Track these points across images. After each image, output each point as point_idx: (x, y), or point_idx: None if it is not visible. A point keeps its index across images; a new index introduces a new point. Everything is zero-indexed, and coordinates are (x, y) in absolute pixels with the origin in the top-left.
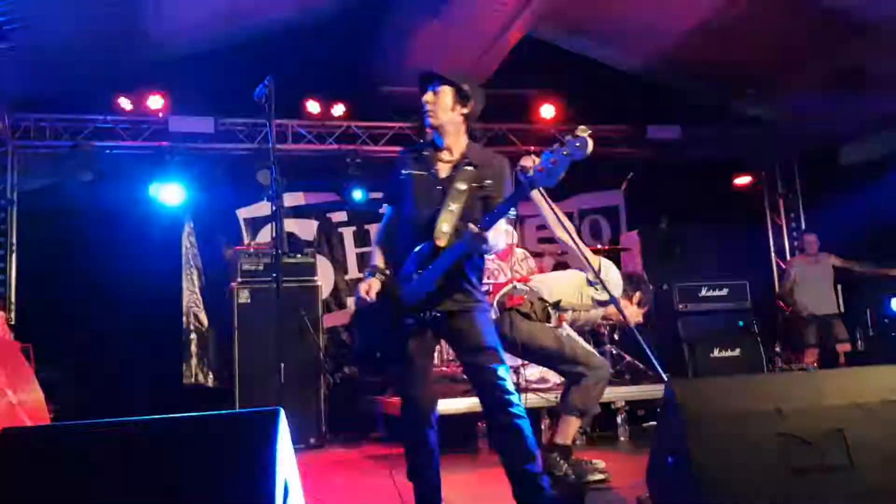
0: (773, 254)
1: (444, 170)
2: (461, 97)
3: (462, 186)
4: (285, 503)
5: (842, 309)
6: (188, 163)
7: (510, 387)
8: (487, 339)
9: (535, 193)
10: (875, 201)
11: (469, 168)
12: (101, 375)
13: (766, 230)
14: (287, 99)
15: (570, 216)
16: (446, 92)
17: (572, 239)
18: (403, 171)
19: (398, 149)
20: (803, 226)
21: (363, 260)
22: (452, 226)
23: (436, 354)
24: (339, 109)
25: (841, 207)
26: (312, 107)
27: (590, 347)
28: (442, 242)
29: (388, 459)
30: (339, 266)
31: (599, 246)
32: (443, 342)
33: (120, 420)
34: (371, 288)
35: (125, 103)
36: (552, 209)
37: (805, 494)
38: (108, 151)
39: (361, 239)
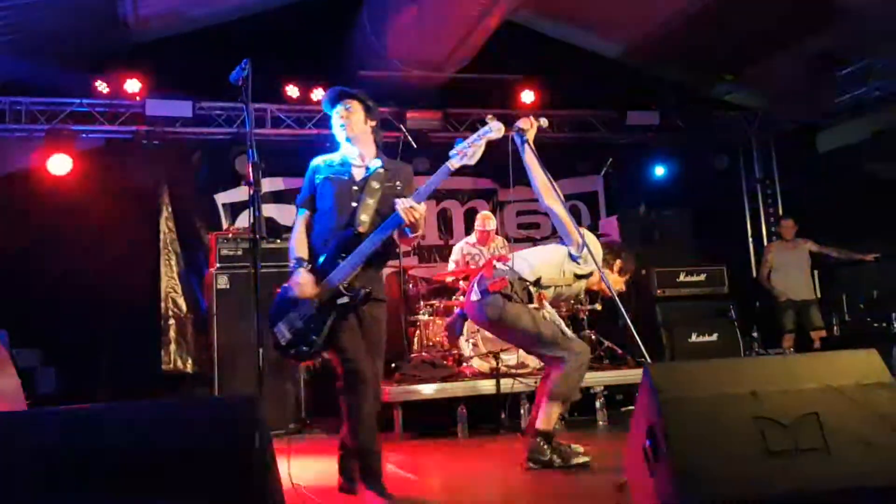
0: (750, 239)
1: (358, 174)
2: (368, 111)
3: (376, 185)
4: (266, 486)
5: (818, 294)
6: (166, 147)
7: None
8: (382, 342)
9: (528, 155)
10: (851, 187)
11: (381, 171)
12: (78, 361)
13: (743, 215)
14: (266, 83)
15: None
16: (357, 107)
17: (563, 206)
18: (320, 177)
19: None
20: (780, 211)
21: None
22: (370, 216)
23: (415, 339)
24: (318, 94)
25: (817, 193)
26: (291, 91)
27: (570, 332)
28: (363, 229)
29: None
30: None
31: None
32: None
33: (95, 406)
34: (307, 280)
35: (102, 87)
36: (545, 174)
37: (780, 477)
38: (84, 136)
39: None
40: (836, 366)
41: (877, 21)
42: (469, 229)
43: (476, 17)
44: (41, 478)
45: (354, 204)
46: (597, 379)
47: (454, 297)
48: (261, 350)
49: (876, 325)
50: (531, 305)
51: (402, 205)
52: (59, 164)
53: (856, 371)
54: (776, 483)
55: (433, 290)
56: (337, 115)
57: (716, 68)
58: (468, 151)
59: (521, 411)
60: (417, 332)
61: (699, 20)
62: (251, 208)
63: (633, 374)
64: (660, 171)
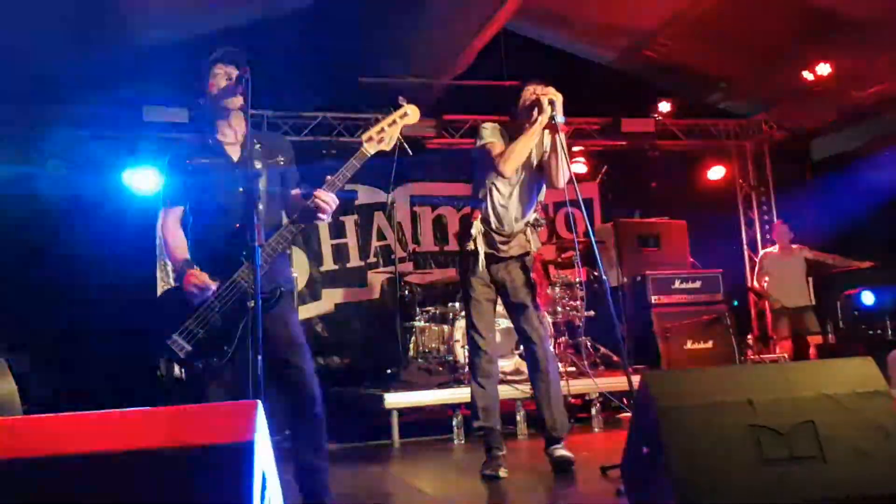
0: (745, 246)
1: (235, 153)
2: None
3: (258, 165)
4: (263, 495)
5: (813, 301)
6: (162, 150)
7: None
8: (300, 334)
9: (558, 134)
10: (845, 195)
11: (258, 147)
12: (74, 367)
13: (738, 223)
14: (262, 88)
15: (544, 208)
16: (234, 74)
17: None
18: (191, 163)
19: None
20: (775, 219)
21: (338, 251)
22: (264, 201)
23: (411, 346)
24: (315, 100)
25: (812, 201)
26: (288, 97)
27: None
28: (260, 219)
29: (364, 451)
30: (315, 257)
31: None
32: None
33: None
34: (208, 282)
35: (100, 93)
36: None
37: (776, 485)
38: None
39: (337, 230)
40: (832, 374)
41: (875, 31)
42: None
43: (475, 25)
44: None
45: (241, 189)
46: (592, 385)
47: (450, 304)
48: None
49: (871, 332)
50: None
51: (319, 202)
52: (55, 167)
53: (852, 379)
54: (772, 491)
55: (429, 297)
56: (223, 78)
57: (710, 76)
58: (384, 136)
59: (517, 417)
60: (413, 338)
61: (694, 29)
62: (248, 214)
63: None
64: (655, 178)
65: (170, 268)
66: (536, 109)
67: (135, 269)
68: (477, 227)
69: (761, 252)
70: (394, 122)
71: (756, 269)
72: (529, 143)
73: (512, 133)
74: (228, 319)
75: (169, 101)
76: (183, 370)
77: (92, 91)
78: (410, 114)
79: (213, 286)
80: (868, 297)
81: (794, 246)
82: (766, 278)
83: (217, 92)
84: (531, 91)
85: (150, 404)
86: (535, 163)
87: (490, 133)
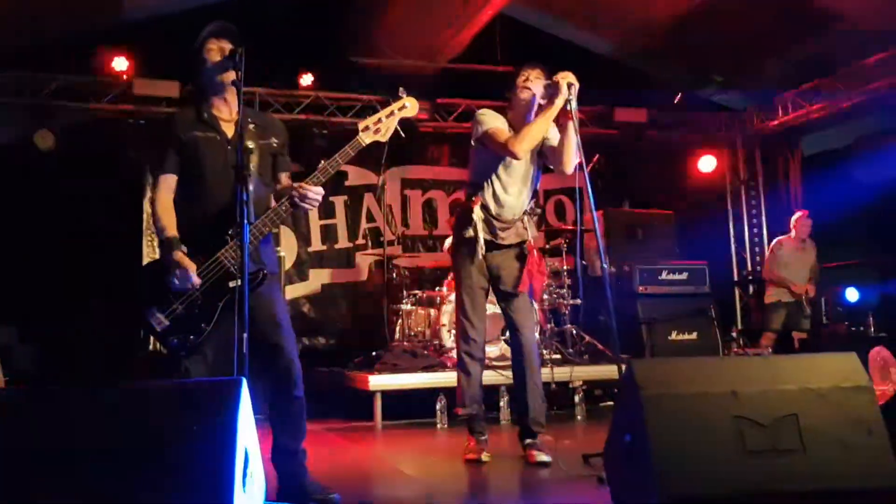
0: (732, 239)
1: (229, 130)
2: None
3: (251, 144)
4: (245, 471)
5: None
6: (153, 127)
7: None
8: (284, 316)
9: (573, 119)
10: (834, 191)
11: (252, 127)
12: (59, 342)
13: (726, 216)
14: (254, 66)
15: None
16: (225, 49)
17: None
18: (185, 135)
19: None
20: (764, 214)
21: (327, 232)
22: (253, 183)
23: (397, 329)
24: (307, 79)
25: (801, 196)
26: (280, 75)
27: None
28: (250, 198)
29: (346, 432)
30: (303, 237)
31: (563, 226)
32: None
33: (77, 387)
34: (190, 265)
35: (89, 64)
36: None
37: (758, 476)
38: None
39: (326, 211)
40: (815, 368)
41: (867, 27)
42: None
43: (469, 8)
44: (20, 457)
45: (232, 166)
46: (576, 373)
47: (437, 288)
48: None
49: (854, 328)
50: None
51: (302, 197)
52: (44, 139)
53: (835, 374)
54: (754, 482)
55: (416, 280)
56: (216, 52)
57: (705, 69)
58: (380, 127)
59: (501, 403)
60: (400, 321)
61: (691, 20)
62: (239, 191)
63: (612, 370)
64: (646, 169)
65: (155, 242)
66: (551, 93)
67: (120, 246)
68: (478, 214)
69: (775, 240)
70: (392, 113)
71: (768, 256)
72: (545, 125)
73: (510, 119)
74: (208, 297)
75: (160, 74)
76: (161, 345)
77: (85, 62)
78: (409, 107)
79: (196, 280)
80: (852, 294)
81: (809, 240)
82: (780, 269)
83: (210, 66)
84: (525, 75)
85: (134, 377)
86: (537, 149)
87: (492, 119)
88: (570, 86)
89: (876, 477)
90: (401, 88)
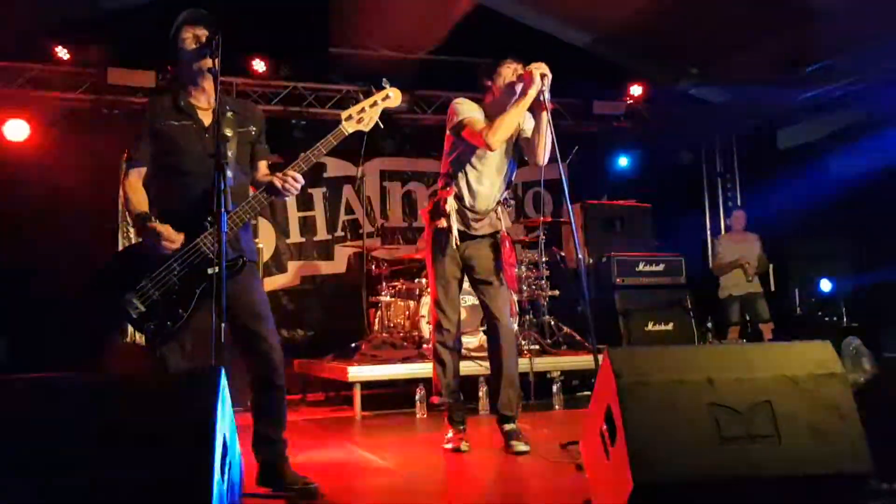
0: (708, 232)
1: (206, 118)
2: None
3: (229, 132)
4: (224, 460)
5: (772, 287)
6: (127, 116)
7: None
8: (264, 304)
9: (546, 111)
10: (808, 185)
11: (229, 115)
12: (35, 332)
13: (703, 209)
14: (232, 55)
15: (514, 187)
16: (201, 37)
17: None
18: (160, 123)
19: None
20: (740, 206)
21: (305, 224)
22: (232, 170)
23: (376, 320)
24: (285, 70)
25: (777, 189)
26: (258, 65)
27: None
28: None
29: (326, 424)
30: (281, 229)
31: (542, 218)
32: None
33: (56, 375)
34: (174, 234)
35: (63, 53)
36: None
37: (733, 462)
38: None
39: (304, 203)
40: (790, 356)
41: (844, 22)
42: None
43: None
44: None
45: (209, 155)
46: (554, 364)
47: (416, 280)
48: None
49: (827, 318)
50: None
51: (283, 183)
52: (16, 130)
53: (809, 361)
54: (728, 468)
55: (395, 272)
56: (192, 40)
57: (682, 62)
58: (363, 117)
59: (480, 393)
60: (379, 312)
61: (669, 14)
62: (216, 181)
63: (589, 360)
64: (623, 161)
65: (132, 233)
66: (524, 84)
67: (96, 236)
68: (451, 204)
69: (718, 237)
70: (375, 103)
71: (710, 252)
72: (518, 116)
73: (486, 109)
74: (186, 284)
75: (135, 63)
76: (138, 333)
77: (59, 52)
78: (392, 97)
79: (178, 238)
80: (825, 285)
81: (748, 232)
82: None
83: (186, 54)
84: (511, 68)
85: (109, 366)
86: (512, 140)
87: (468, 108)
88: (542, 76)
89: (848, 462)
90: (384, 79)
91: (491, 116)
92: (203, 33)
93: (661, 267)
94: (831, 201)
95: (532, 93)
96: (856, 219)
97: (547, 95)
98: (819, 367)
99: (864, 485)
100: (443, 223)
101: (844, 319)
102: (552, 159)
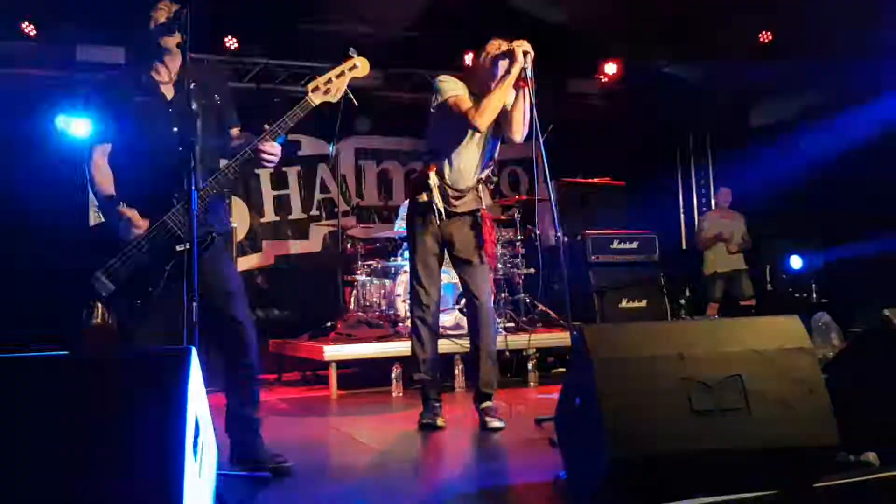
0: (681, 209)
1: (168, 92)
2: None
3: (194, 105)
4: (196, 441)
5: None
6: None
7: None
8: (235, 280)
9: (528, 87)
10: (781, 162)
11: (192, 86)
12: (2, 313)
13: (676, 186)
14: (203, 32)
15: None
16: (173, 11)
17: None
18: (123, 100)
19: None
20: (712, 183)
21: (280, 203)
22: (200, 144)
23: (351, 299)
24: (257, 47)
25: (749, 167)
26: (230, 42)
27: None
28: (196, 161)
29: (302, 403)
30: (255, 208)
31: (517, 196)
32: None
33: (25, 355)
34: (138, 220)
35: (30, 29)
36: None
37: (704, 435)
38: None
39: (279, 181)
40: (759, 331)
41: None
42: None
43: None
44: None
45: (175, 129)
46: (530, 341)
47: (392, 258)
48: (194, 305)
49: (797, 295)
50: None
51: (264, 155)
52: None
53: (778, 336)
54: (700, 441)
55: (371, 251)
56: (163, 14)
57: (656, 41)
58: (330, 88)
59: (456, 371)
60: (354, 291)
61: None
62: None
63: (564, 337)
64: (598, 139)
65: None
66: (508, 61)
67: (66, 218)
68: (433, 180)
69: (703, 213)
70: (342, 73)
71: (696, 228)
72: (503, 96)
73: (468, 84)
74: (155, 261)
75: (105, 39)
76: (107, 310)
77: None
78: (360, 66)
79: (144, 224)
80: (796, 262)
81: (734, 210)
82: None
83: (156, 28)
84: (496, 45)
85: (78, 344)
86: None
87: (453, 86)
88: (525, 54)
89: (816, 435)
90: (350, 49)
91: (474, 92)
92: (175, 8)
93: (634, 244)
94: (802, 179)
95: (515, 71)
96: (826, 196)
97: (529, 73)
98: (788, 341)
99: (831, 457)
100: (424, 198)
101: (814, 295)
102: (534, 137)
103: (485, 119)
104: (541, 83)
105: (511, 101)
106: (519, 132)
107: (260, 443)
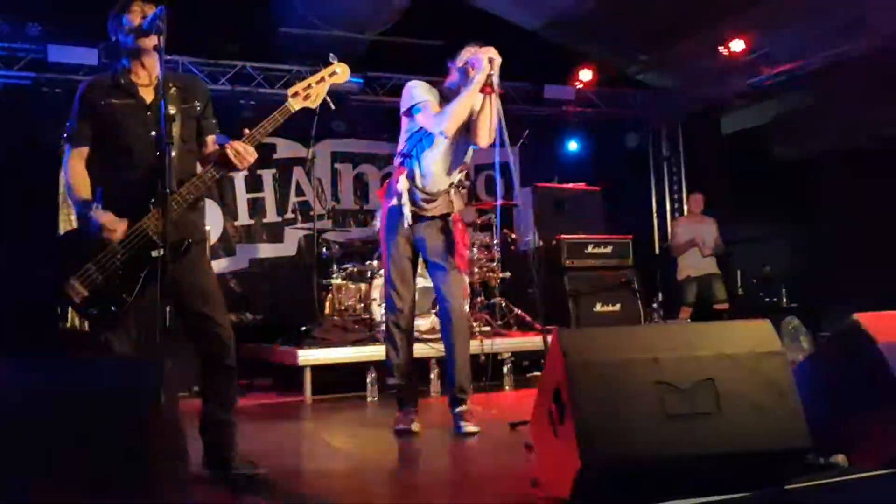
0: (654, 214)
1: (147, 95)
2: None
3: (172, 110)
4: None
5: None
6: (69, 96)
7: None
8: (213, 284)
9: (494, 94)
10: (751, 167)
11: (173, 91)
12: None
13: (649, 191)
14: (178, 33)
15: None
16: (148, 13)
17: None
18: (101, 103)
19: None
20: (684, 188)
21: (254, 206)
22: (178, 149)
23: (327, 303)
24: (233, 48)
25: (720, 172)
26: (205, 43)
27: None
28: (173, 165)
29: (276, 408)
30: (229, 211)
31: (493, 202)
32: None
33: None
34: (116, 220)
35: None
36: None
37: (677, 439)
38: None
39: (253, 184)
40: (731, 335)
41: (787, 7)
42: None
43: None
44: None
45: (153, 133)
46: (505, 345)
47: (367, 262)
48: (168, 309)
49: (767, 299)
50: None
51: (234, 153)
52: None
53: (749, 340)
54: (673, 445)
55: (347, 255)
56: (138, 15)
57: (630, 48)
58: (310, 93)
59: (431, 376)
60: (330, 295)
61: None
62: (162, 161)
63: (539, 341)
64: (573, 145)
65: (72, 216)
66: (474, 67)
67: (35, 221)
68: (403, 184)
69: (675, 218)
70: (322, 79)
71: (670, 234)
72: (469, 102)
73: (442, 91)
74: (130, 267)
75: (77, 40)
76: (81, 317)
77: None
78: (340, 72)
79: (121, 229)
80: (766, 267)
81: (705, 215)
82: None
83: (131, 29)
84: (471, 51)
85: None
86: (466, 123)
87: (424, 91)
88: (491, 60)
89: (787, 438)
90: (331, 54)
91: (447, 98)
92: (150, 10)
93: (609, 249)
94: (772, 185)
95: (480, 77)
96: (796, 202)
97: (496, 80)
98: (759, 345)
99: (802, 460)
100: (394, 202)
101: (784, 300)
102: (502, 144)
103: (449, 125)
104: (518, 89)
105: (477, 106)
106: (483, 138)
107: (234, 448)
